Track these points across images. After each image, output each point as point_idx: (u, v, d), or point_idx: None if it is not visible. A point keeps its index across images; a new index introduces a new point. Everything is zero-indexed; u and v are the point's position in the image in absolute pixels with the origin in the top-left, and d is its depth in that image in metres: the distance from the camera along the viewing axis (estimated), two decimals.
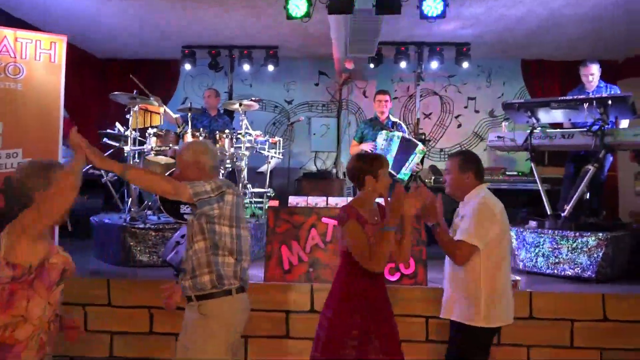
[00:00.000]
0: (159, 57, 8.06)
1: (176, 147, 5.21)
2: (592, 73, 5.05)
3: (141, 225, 4.78)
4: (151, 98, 5.38)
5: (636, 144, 4.48)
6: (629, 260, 4.46)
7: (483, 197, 2.71)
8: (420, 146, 5.35)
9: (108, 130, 5.69)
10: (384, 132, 5.40)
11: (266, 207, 5.54)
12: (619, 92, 4.96)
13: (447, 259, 2.78)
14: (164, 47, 7.60)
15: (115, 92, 5.24)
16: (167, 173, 4.63)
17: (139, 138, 5.32)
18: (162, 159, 5.40)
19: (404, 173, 5.35)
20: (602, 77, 5.17)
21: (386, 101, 5.61)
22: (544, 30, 6.57)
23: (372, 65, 7.64)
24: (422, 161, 5.48)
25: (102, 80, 8.08)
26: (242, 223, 2.58)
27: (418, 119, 7.84)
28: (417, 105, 7.88)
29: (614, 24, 6.21)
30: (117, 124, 5.64)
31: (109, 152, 5.91)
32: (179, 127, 6.16)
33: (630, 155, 6.23)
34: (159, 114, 5.88)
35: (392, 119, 5.72)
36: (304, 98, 8.45)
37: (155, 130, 5.24)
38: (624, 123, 4.81)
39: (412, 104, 8.23)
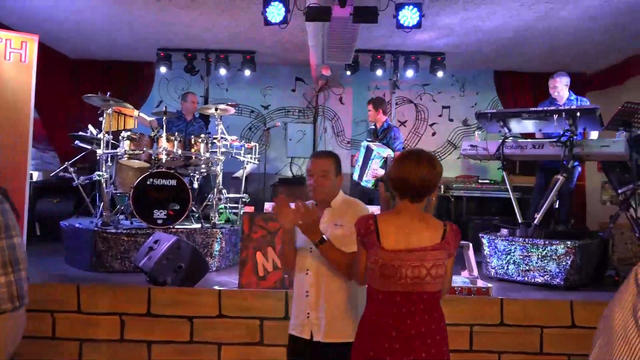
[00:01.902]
0: (133, 59, 7.94)
1: (150, 151, 5.14)
2: (556, 86, 5.21)
3: (113, 230, 4.70)
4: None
5: (603, 155, 4.61)
6: (596, 267, 4.58)
7: (356, 200, 2.49)
8: (377, 150, 5.38)
9: (80, 133, 5.57)
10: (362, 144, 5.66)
11: (241, 213, 5.52)
12: (587, 104, 5.12)
13: None
14: (139, 49, 7.49)
15: (89, 94, 5.15)
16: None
17: (112, 141, 5.23)
18: (135, 163, 5.32)
19: (366, 180, 5.43)
20: (573, 89, 5.32)
21: (369, 111, 5.80)
22: (517, 43, 6.72)
23: (348, 73, 7.68)
24: (385, 165, 5.34)
25: (74, 81, 7.90)
26: (11, 231, 2.26)
27: None
28: (393, 113, 7.96)
29: (584, 38, 6.41)
30: (90, 127, 5.53)
31: (81, 154, 5.79)
32: (153, 130, 6.09)
33: (598, 165, 6.43)
34: (132, 117, 5.80)
35: (386, 124, 5.80)
36: (281, 103, 8.44)
37: (129, 133, 5.16)
38: (594, 134, 4.96)
39: (388, 112, 8.31)
